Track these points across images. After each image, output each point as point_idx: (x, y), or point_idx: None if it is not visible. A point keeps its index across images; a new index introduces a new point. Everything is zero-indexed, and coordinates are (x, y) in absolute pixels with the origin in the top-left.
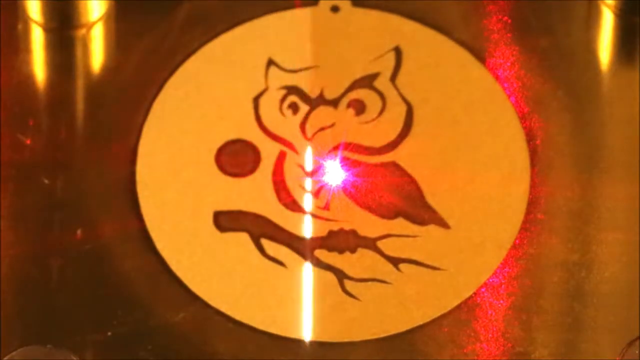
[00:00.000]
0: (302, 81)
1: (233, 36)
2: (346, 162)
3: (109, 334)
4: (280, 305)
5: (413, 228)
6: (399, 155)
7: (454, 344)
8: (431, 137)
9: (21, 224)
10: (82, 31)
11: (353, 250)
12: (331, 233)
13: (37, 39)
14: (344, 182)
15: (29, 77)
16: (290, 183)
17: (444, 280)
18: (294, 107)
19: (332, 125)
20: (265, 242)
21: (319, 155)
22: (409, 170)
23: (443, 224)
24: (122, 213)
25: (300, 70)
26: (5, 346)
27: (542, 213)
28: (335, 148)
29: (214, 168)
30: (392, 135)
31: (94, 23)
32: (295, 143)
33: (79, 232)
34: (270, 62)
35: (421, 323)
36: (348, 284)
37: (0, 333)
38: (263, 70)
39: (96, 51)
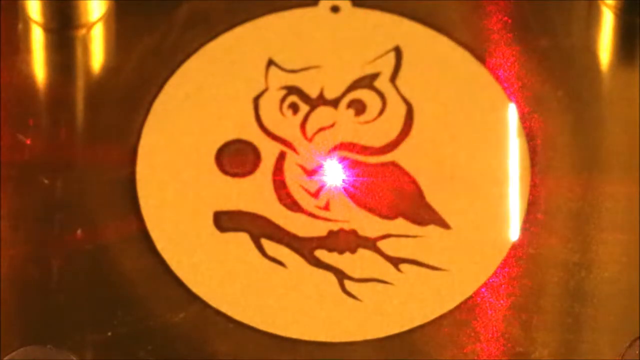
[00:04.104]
0: (302, 81)
1: (233, 36)
2: (346, 162)
3: (109, 334)
4: (280, 305)
5: (413, 228)
6: (399, 155)
7: (454, 344)
8: (431, 137)
9: (21, 224)
10: (82, 31)
11: (353, 251)
12: (331, 233)
13: (37, 39)
14: (344, 182)
15: (29, 77)
16: (290, 183)
17: (444, 280)
18: (294, 107)
19: (332, 125)
20: (265, 242)
21: (319, 155)
22: (409, 170)
23: (443, 224)
24: (122, 213)
25: (300, 70)
26: (5, 346)
27: (542, 213)
28: (335, 148)
29: (214, 168)
30: (392, 135)
31: (94, 23)
32: (295, 143)
33: (79, 232)
34: (270, 62)
35: (421, 323)
36: (348, 284)
37: (0, 333)
38: (263, 70)
39: (96, 51)
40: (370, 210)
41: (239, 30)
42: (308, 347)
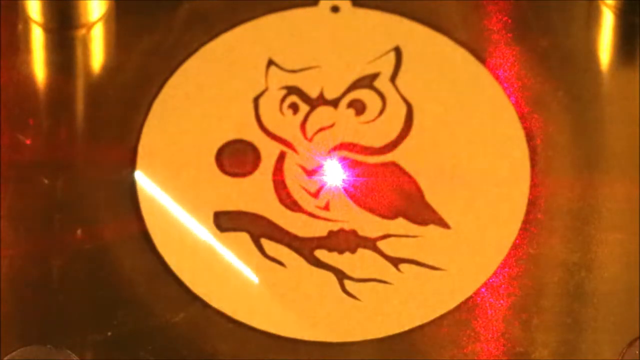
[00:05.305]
0: (302, 81)
1: (233, 36)
2: (346, 162)
3: (109, 334)
4: (280, 305)
5: (413, 228)
6: (399, 155)
7: (454, 344)
8: (431, 137)
9: (21, 224)
10: (82, 31)
11: (353, 251)
12: (331, 233)
13: (37, 39)
14: (344, 182)
15: (29, 77)
16: (290, 183)
17: (444, 280)
18: (294, 107)
19: (332, 125)
20: (265, 242)
21: (319, 155)
22: (409, 170)
23: (443, 224)
24: (122, 213)
25: (300, 70)
26: (5, 346)
27: (542, 213)
28: (336, 148)
29: (214, 168)
30: (392, 135)
31: (94, 23)
32: (295, 143)
33: (79, 232)
34: (270, 62)
35: (421, 323)
36: (348, 284)
37: (0, 333)
38: (263, 70)
39: (96, 51)
40: (370, 210)
41: (239, 30)
42: (308, 347)
